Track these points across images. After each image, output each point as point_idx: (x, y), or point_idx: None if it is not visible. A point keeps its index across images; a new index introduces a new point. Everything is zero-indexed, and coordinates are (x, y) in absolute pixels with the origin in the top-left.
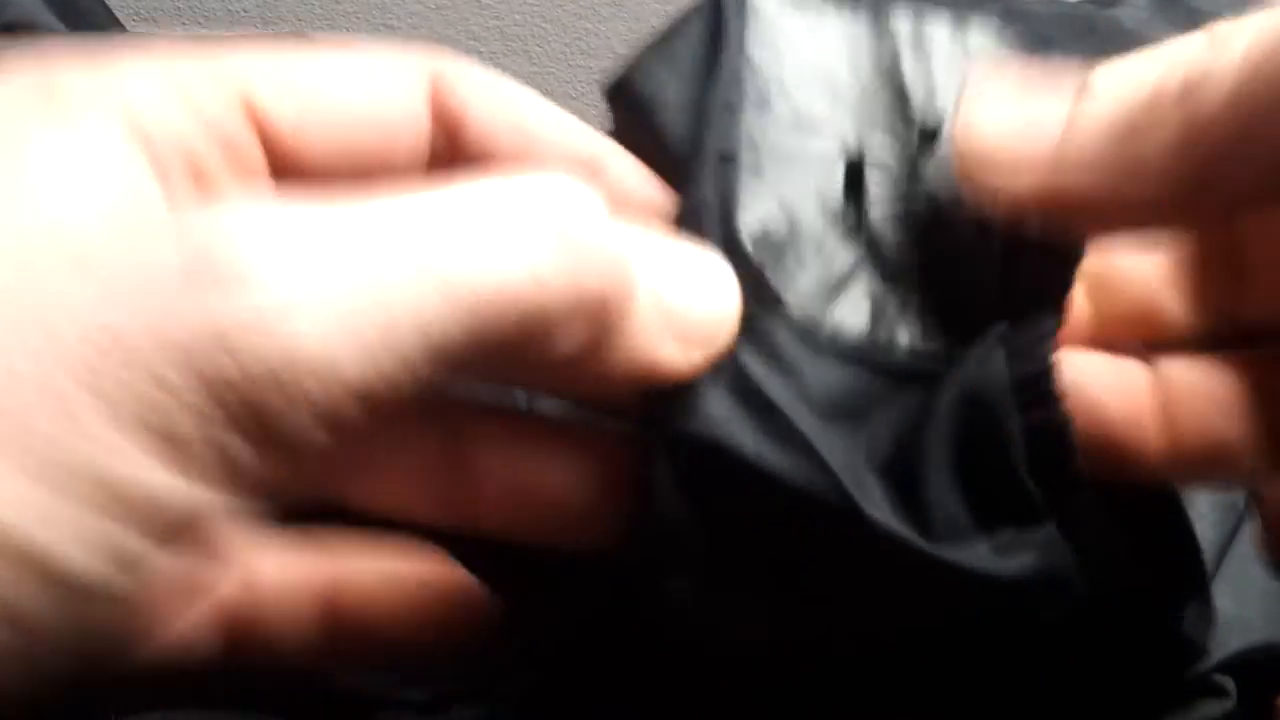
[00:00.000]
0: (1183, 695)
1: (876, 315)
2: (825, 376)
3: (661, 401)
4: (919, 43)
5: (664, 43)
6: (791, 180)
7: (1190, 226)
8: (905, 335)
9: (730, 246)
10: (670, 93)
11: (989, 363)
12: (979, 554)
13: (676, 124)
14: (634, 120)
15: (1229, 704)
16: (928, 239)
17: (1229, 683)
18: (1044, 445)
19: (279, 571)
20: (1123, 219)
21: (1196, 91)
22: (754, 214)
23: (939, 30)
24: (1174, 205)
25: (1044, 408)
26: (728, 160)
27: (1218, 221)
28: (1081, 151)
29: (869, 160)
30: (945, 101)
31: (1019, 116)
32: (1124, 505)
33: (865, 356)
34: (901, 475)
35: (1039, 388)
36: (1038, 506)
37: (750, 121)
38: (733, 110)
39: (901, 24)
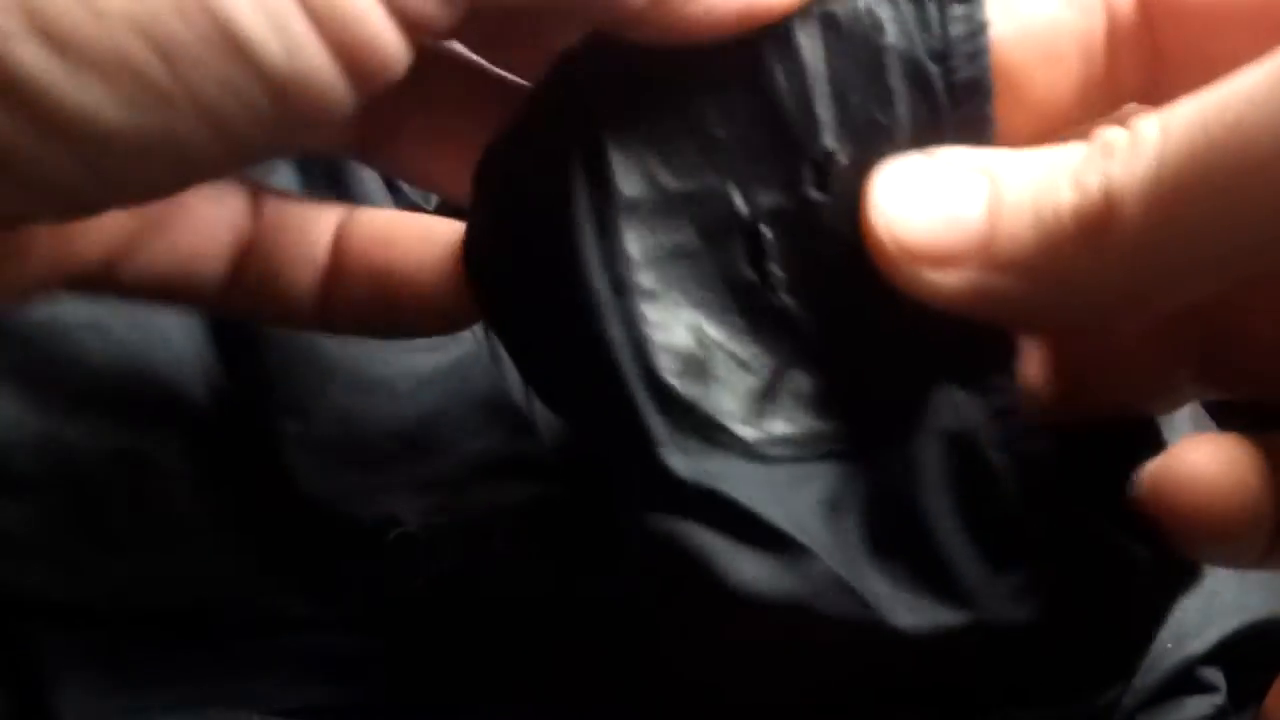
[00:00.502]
0: (1164, 692)
1: (814, 408)
2: (786, 491)
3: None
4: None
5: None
6: (685, 281)
7: (1127, 327)
8: (833, 420)
9: (658, 394)
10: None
11: (961, 409)
12: (1000, 605)
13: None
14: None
15: (1218, 698)
16: (841, 291)
17: (1218, 677)
18: (1036, 475)
19: (299, 209)
20: (1055, 321)
21: (1115, 213)
22: (665, 342)
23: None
24: (1105, 314)
25: (1028, 438)
26: (620, 291)
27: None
28: (1007, 258)
29: (759, 215)
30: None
31: (937, 209)
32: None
33: (807, 456)
34: (900, 546)
35: (1014, 419)
36: (1039, 540)
37: (626, 222)
38: (606, 219)
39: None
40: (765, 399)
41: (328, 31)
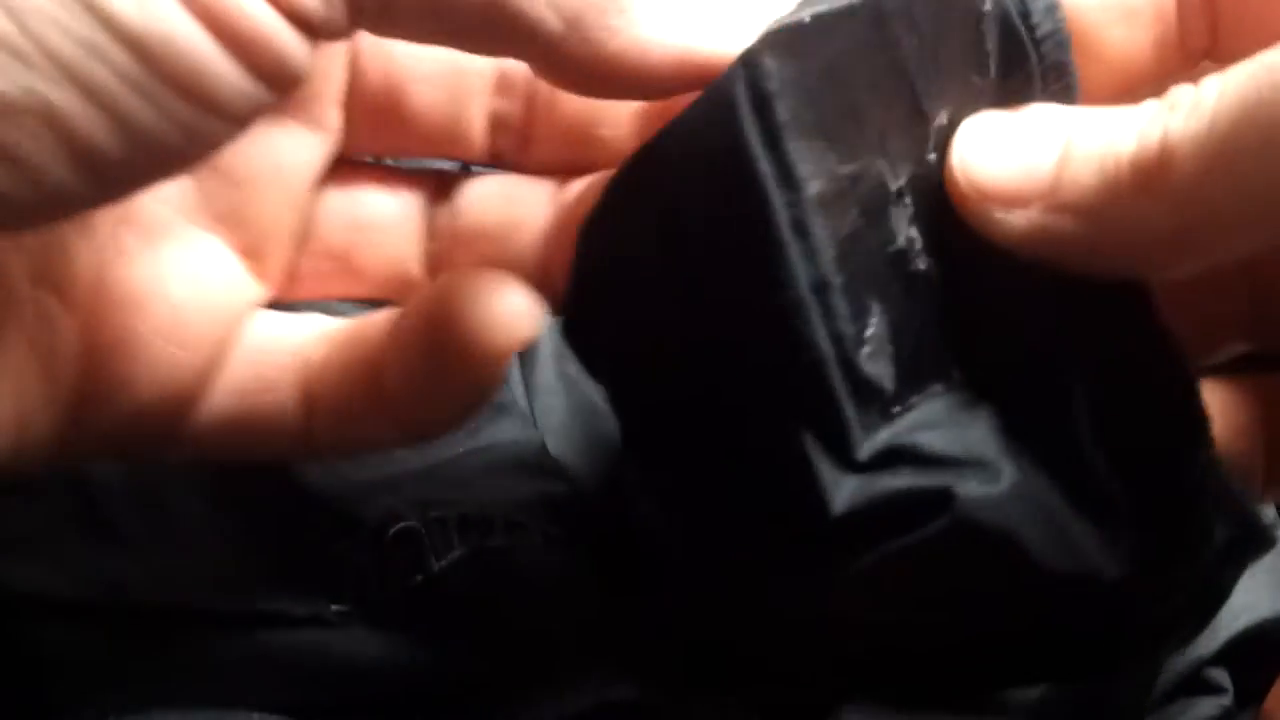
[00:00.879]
0: (1174, 693)
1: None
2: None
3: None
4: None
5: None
6: (858, 265)
7: (1177, 274)
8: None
9: (857, 387)
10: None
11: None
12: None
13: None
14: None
15: (1225, 700)
16: (964, 251)
17: (1224, 678)
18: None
19: (267, 336)
20: (1110, 265)
21: (1169, 162)
22: (855, 334)
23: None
24: (1157, 260)
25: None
26: (820, 289)
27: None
28: (1070, 200)
29: (902, 184)
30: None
31: (1013, 155)
32: None
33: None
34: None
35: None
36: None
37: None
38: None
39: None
40: (914, 362)
41: None
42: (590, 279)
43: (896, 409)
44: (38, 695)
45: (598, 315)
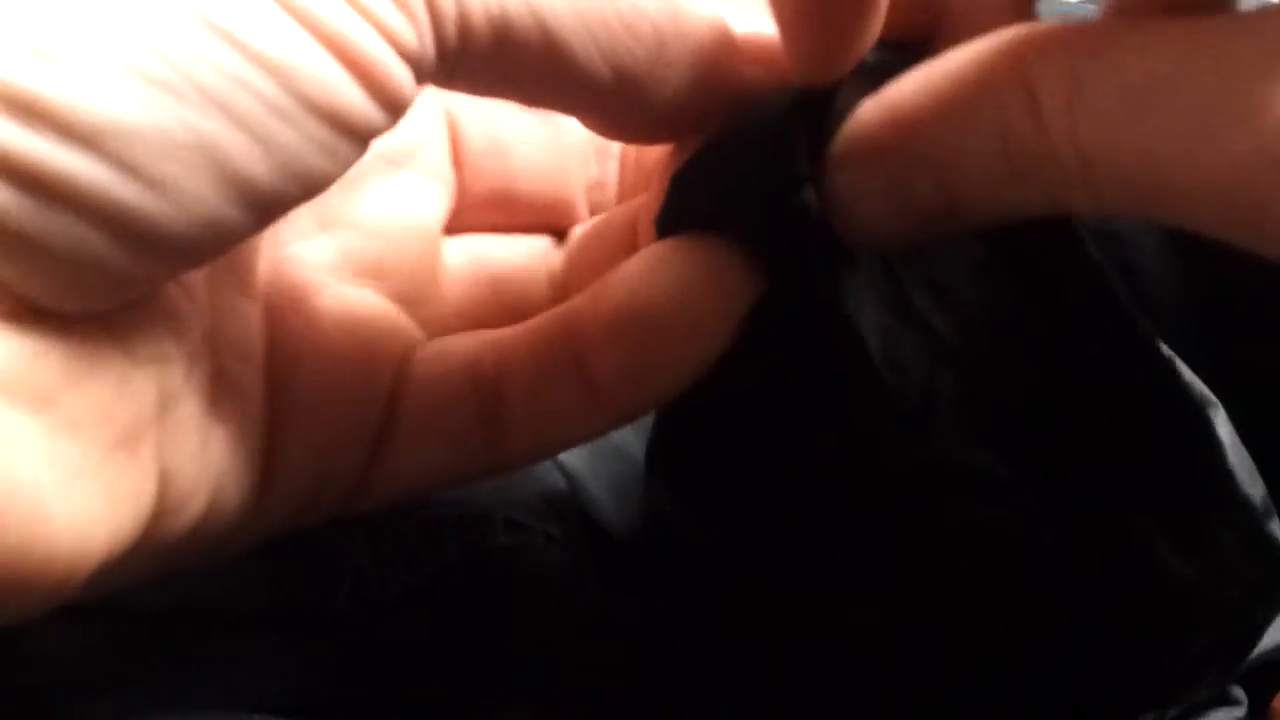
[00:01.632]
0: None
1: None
2: None
3: None
4: None
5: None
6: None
7: None
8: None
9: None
10: None
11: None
12: None
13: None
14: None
15: (1240, 712)
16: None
17: (1240, 693)
18: None
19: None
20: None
21: None
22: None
23: None
24: None
25: None
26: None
27: None
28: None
29: None
30: None
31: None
32: None
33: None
34: None
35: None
36: None
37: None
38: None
39: None
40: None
41: (313, 27)
42: None
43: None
44: (38, 695)
45: None
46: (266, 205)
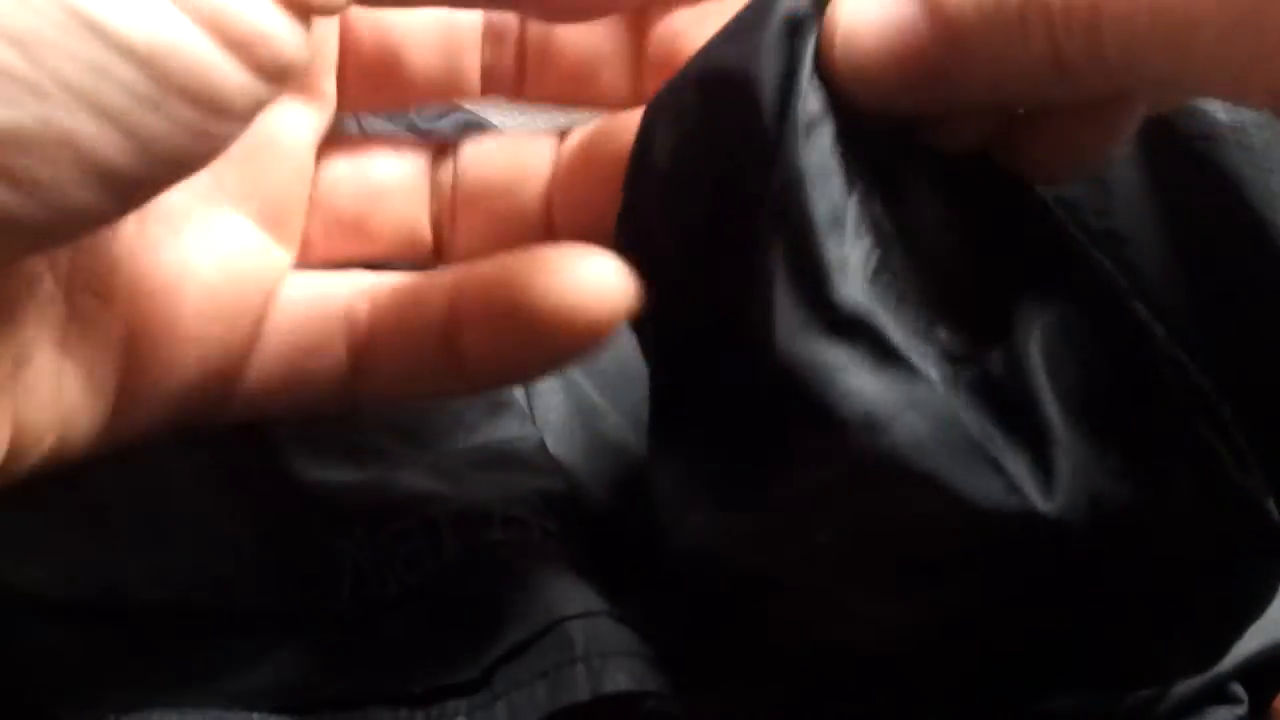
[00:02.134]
0: (1196, 701)
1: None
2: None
3: None
4: None
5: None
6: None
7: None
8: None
9: (834, 217)
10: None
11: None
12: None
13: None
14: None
15: (1241, 710)
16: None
17: (1241, 691)
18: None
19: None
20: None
21: None
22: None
23: None
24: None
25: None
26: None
27: None
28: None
29: None
30: None
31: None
32: None
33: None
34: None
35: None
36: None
37: None
38: None
39: None
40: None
41: (190, 7)
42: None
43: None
44: (38, 695)
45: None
46: (135, 191)
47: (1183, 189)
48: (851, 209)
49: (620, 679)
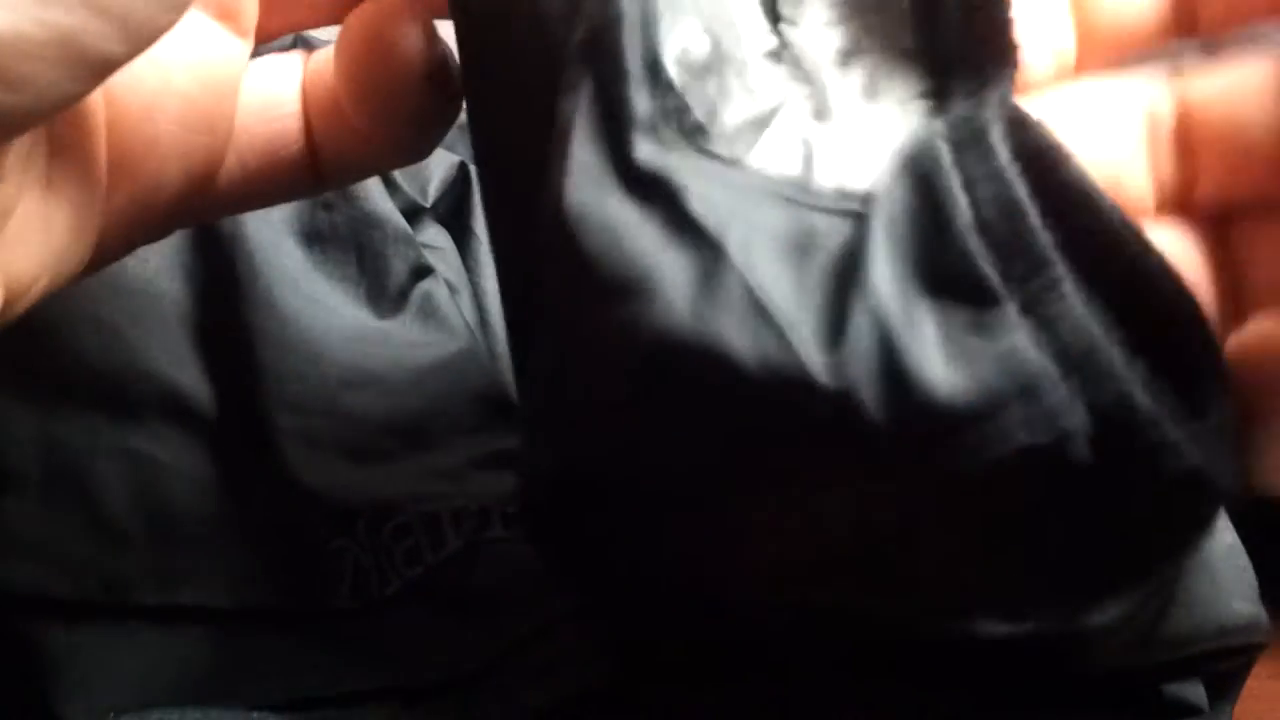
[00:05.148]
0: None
1: (806, 158)
2: (748, 206)
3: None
4: None
5: None
6: None
7: None
8: (833, 176)
9: (651, 66)
10: None
11: (927, 137)
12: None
13: None
14: None
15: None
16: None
17: (1199, 693)
18: (1000, 209)
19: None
20: None
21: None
22: (674, 29)
23: None
24: None
25: (988, 162)
26: None
27: None
28: None
29: None
30: None
31: None
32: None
33: (792, 197)
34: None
35: (983, 143)
36: (991, 288)
37: None
38: None
39: None
40: (761, 125)
41: None
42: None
43: (727, 151)
44: (38, 695)
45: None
46: (113, 70)
47: None
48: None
49: (612, 674)
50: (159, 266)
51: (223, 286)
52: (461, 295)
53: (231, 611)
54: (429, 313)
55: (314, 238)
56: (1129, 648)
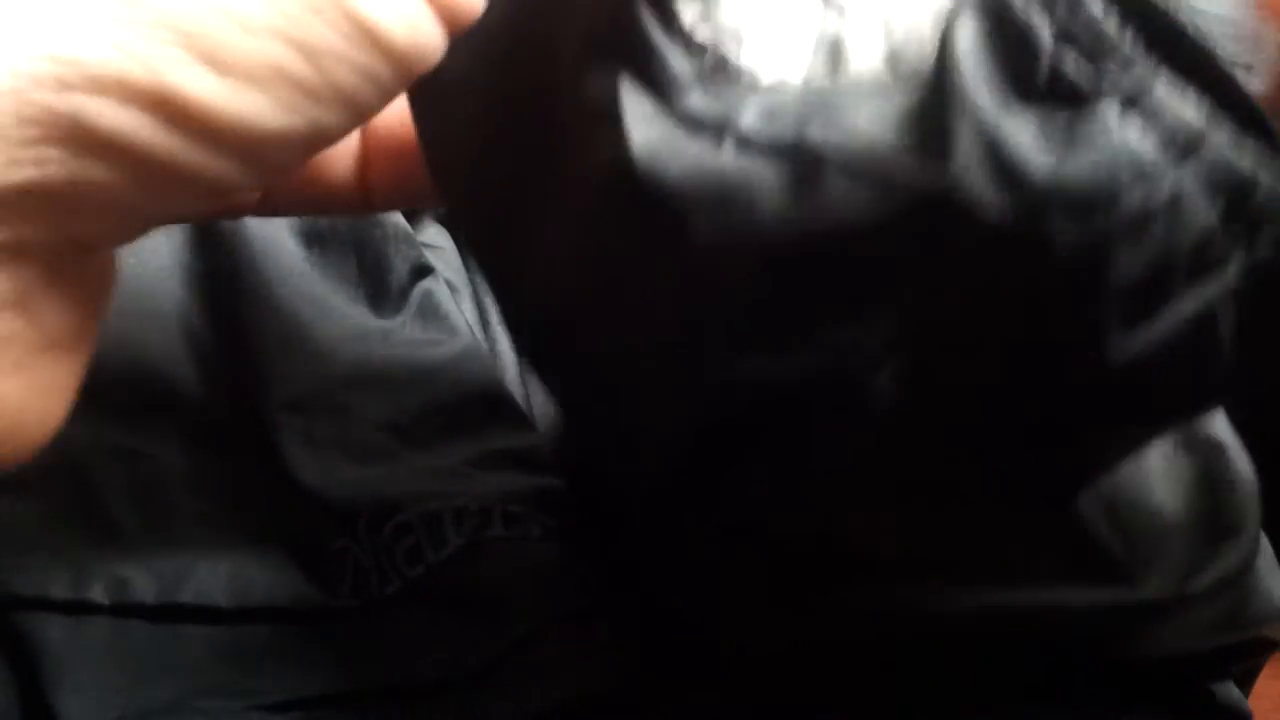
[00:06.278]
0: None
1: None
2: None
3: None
4: None
5: None
6: None
7: None
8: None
9: (679, 36)
10: None
11: None
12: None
13: None
14: None
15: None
16: None
17: (1241, 697)
18: (1081, 21)
19: None
20: None
21: None
22: None
23: None
24: None
25: None
26: None
27: None
28: None
29: None
30: None
31: None
32: None
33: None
34: None
35: None
36: (1087, 91)
37: None
38: None
39: None
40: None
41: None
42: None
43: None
44: (38, 695)
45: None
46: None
47: None
48: None
49: (613, 676)
50: (159, 266)
51: (223, 286)
52: (461, 295)
53: (231, 611)
54: (429, 312)
55: (314, 237)
56: (1217, 626)
